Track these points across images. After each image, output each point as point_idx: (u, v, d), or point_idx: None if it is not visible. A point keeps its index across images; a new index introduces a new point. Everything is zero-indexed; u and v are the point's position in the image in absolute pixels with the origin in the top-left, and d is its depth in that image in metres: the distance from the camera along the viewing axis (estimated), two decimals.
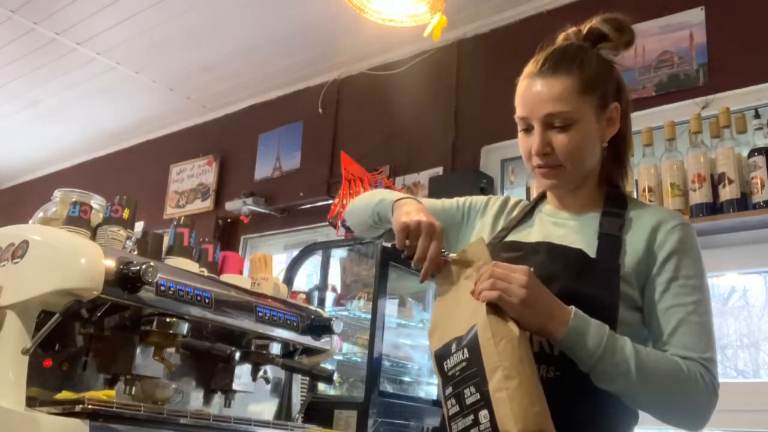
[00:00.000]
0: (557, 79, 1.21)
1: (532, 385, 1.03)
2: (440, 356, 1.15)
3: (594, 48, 1.28)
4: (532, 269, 1.15)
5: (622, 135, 1.31)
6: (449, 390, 1.11)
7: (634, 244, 1.22)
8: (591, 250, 1.21)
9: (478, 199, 1.46)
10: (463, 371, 1.08)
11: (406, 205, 1.29)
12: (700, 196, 2.25)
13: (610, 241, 1.22)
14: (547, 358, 1.16)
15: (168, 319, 1.60)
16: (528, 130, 1.25)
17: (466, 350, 1.08)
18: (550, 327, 1.10)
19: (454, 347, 1.11)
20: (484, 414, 1.03)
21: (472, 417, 1.05)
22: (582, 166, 1.26)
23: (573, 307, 1.11)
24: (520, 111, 1.25)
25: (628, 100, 1.32)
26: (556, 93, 1.20)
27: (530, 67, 1.26)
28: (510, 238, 1.33)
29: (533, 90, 1.23)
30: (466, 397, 1.06)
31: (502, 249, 1.29)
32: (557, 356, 1.14)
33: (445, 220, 1.33)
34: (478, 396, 1.04)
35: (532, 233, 1.32)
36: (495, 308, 1.08)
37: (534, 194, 2.58)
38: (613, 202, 1.29)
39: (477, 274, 1.14)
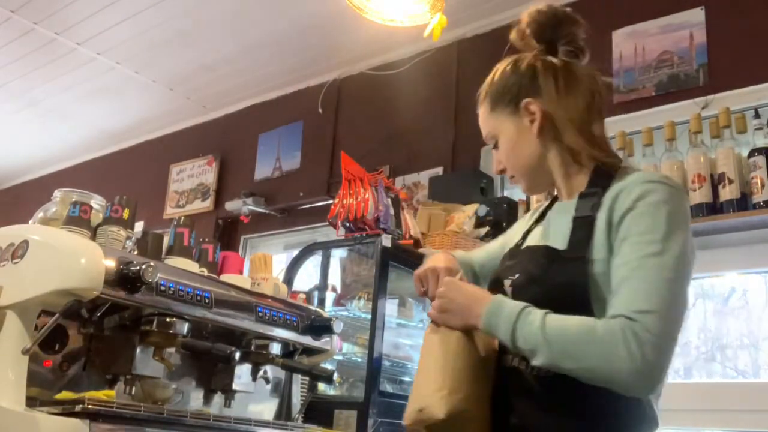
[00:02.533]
0: (480, 107, 1.38)
1: (432, 374, 1.18)
2: None
3: (557, 54, 1.33)
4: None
5: (552, 115, 1.26)
6: None
7: (601, 220, 1.16)
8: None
9: (512, 228, 1.50)
10: None
11: (430, 258, 1.37)
12: (700, 196, 2.24)
13: (582, 224, 1.18)
14: None
15: (168, 319, 1.60)
16: None
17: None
18: (471, 322, 1.18)
19: None
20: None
21: None
22: (526, 167, 1.31)
23: (498, 296, 1.17)
24: None
25: (556, 79, 1.27)
26: (481, 121, 1.38)
27: None
28: (526, 244, 1.34)
29: None
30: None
31: (505, 258, 1.34)
32: None
33: (495, 263, 1.39)
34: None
35: (536, 234, 1.33)
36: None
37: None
38: (595, 180, 1.23)
39: None
